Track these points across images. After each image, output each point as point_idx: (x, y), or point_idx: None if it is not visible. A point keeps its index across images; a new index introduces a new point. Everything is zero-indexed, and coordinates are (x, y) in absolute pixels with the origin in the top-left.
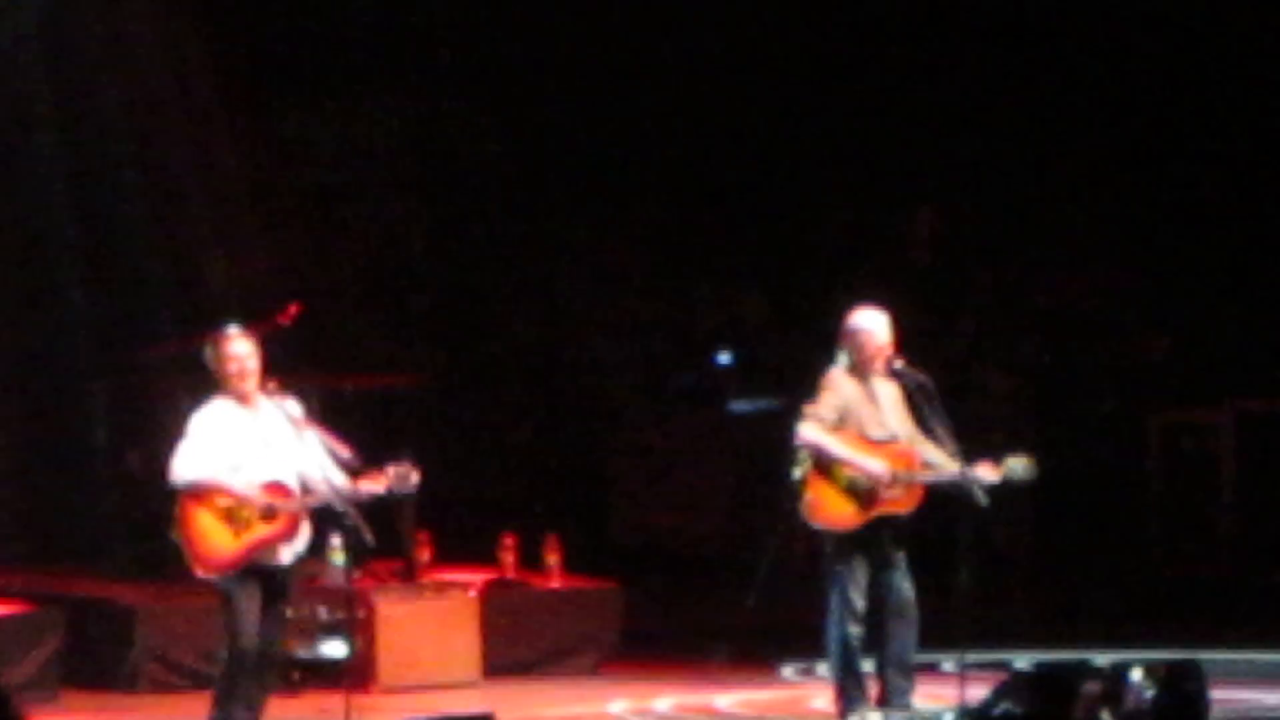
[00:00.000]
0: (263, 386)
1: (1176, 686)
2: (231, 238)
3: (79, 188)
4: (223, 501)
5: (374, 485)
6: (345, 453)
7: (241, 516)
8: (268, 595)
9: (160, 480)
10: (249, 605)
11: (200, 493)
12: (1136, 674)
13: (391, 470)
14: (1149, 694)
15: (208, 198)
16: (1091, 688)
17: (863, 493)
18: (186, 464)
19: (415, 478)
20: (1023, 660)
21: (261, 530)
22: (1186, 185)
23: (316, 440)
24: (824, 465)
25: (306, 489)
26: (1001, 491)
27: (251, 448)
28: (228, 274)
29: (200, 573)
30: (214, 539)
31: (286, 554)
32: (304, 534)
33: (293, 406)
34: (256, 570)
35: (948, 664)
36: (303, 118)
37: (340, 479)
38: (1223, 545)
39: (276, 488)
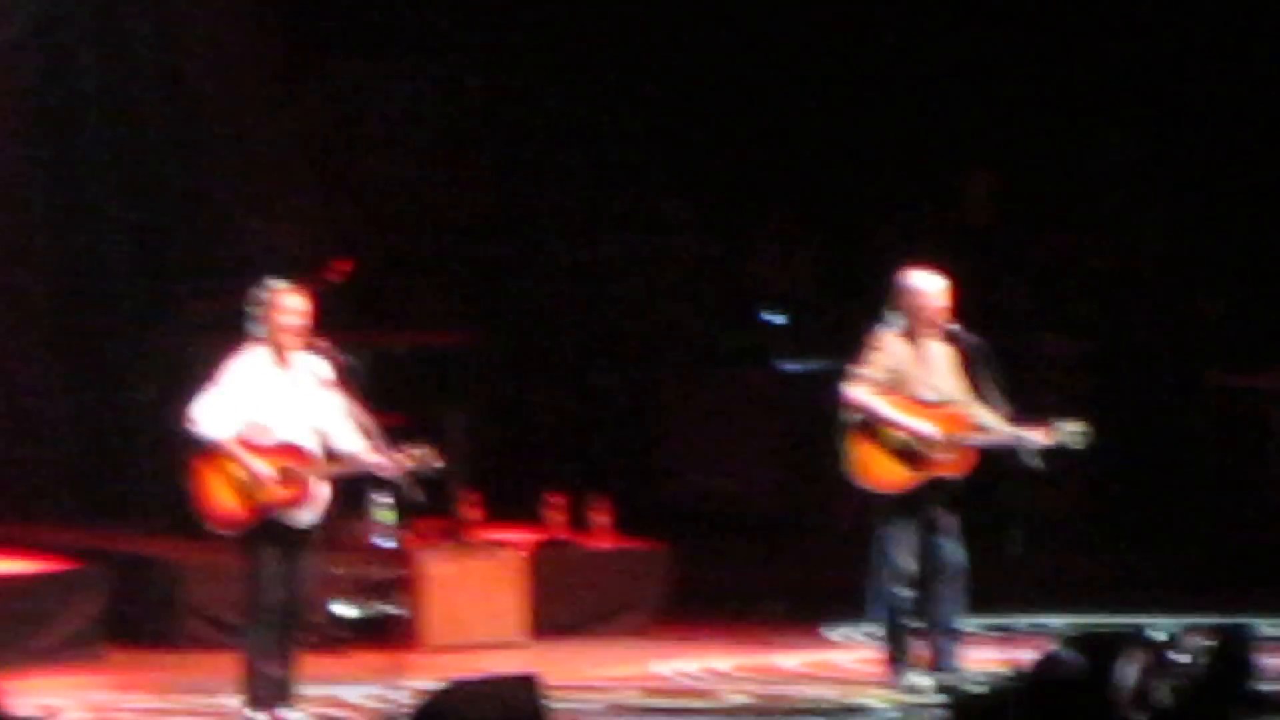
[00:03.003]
0: (312, 344)
1: (1226, 652)
2: (284, 194)
3: (125, 140)
4: (234, 470)
5: (394, 466)
6: (371, 422)
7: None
8: (288, 551)
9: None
10: (267, 561)
11: (214, 451)
12: (1186, 639)
13: (416, 451)
14: (1199, 660)
15: (261, 154)
16: (1140, 653)
17: (913, 455)
18: (209, 417)
19: (438, 462)
20: (1071, 625)
21: (275, 493)
22: (1246, 147)
23: (340, 406)
24: (873, 427)
25: (330, 454)
26: (1054, 455)
27: (278, 406)
28: (278, 230)
29: (211, 527)
30: (222, 499)
31: (305, 516)
32: (322, 498)
33: (322, 367)
34: (273, 527)
35: (994, 628)
36: (362, 76)
37: (360, 447)
38: (1275, 510)
39: (294, 451)
